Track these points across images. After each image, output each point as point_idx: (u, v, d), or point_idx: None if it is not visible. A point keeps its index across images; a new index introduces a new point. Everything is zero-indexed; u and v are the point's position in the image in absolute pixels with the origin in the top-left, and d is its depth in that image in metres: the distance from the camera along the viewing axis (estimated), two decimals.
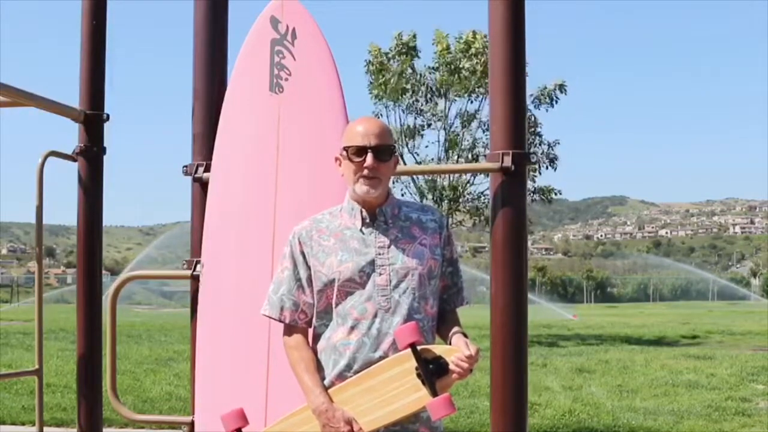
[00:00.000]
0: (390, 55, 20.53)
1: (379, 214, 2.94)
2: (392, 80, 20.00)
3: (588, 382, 12.75)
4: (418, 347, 2.70)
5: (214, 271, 3.87)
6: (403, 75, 20.16)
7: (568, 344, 20.05)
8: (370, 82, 20.78)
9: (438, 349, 2.76)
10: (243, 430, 2.94)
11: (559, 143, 21.27)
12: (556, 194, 21.62)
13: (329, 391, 2.83)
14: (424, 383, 2.70)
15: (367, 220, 2.94)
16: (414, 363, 2.71)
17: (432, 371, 2.70)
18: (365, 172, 2.88)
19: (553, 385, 12.27)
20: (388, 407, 2.74)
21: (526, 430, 4.03)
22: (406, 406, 2.73)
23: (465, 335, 2.85)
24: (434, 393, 2.68)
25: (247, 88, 3.96)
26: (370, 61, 20.64)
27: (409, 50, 20.46)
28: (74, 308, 4.90)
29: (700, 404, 10.54)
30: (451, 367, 2.71)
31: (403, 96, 20.44)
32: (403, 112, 20.88)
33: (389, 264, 2.88)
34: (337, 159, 3.00)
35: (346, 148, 2.93)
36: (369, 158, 2.87)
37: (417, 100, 20.75)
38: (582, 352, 17.43)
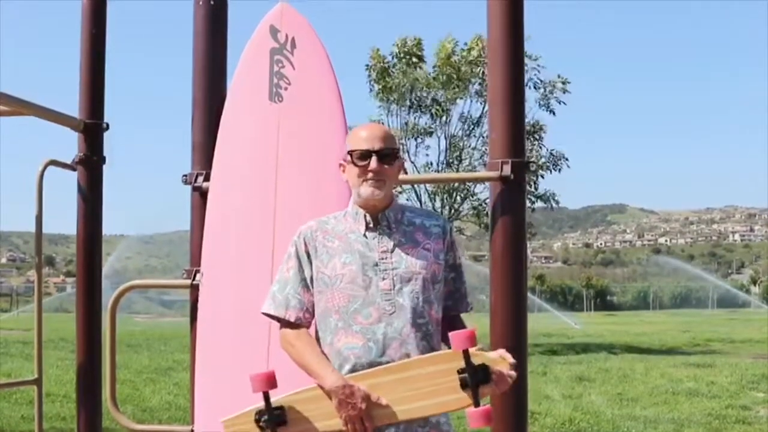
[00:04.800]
0: (391, 63, 20.50)
1: (381, 218, 2.94)
2: (398, 84, 19.96)
3: (588, 390, 12.73)
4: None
5: (213, 280, 3.87)
6: (407, 78, 20.11)
7: (568, 353, 20.03)
8: (371, 89, 20.73)
9: (484, 357, 2.75)
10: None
11: (566, 159, 21.18)
12: (556, 201, 21.55)
13: (366, 372, 2.78)
14: (464, 388, 2.70)
15: (371, 225, 2.93)
16: (457, 365, 2.70)
17: (479, 379, 2.70)
18: (369, 175, 2.88)
19: (553, 393, 12.26)
20: (423, 401, 2.73)
21: None
22: (442, 405, 2.73)
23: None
24: (477, 402, 2.69)
25: (246, 97, 3.96)
26: (371, 65, 20.58)
27: (413, 56, 20.46)
28: (74, 317, 4.90)
29: (700, 412, 10.53)
30: (495, 377, 2.71)
31: (408, 97, 20.40)
32: (408, 111, 20.83)
33: (392, 268, 2.87)
34: (341, 165, 3.00)
35: (350, 152, 2.93)
36: (373, 161, 2.87)
37: (420, 102, 20.71)
38: (582, 361, 17.41)
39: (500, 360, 2.75)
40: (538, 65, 20.34)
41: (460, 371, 2.71)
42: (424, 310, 2.88)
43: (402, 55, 20.55)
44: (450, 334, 2.74)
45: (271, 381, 2.77)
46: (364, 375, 2.78)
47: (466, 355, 2.69)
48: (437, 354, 2.79)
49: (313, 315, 2.95)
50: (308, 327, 2.96)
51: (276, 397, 2.79)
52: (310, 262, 2.94)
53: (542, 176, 21.08)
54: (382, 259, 2.89)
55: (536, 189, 21.03)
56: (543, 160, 20.68)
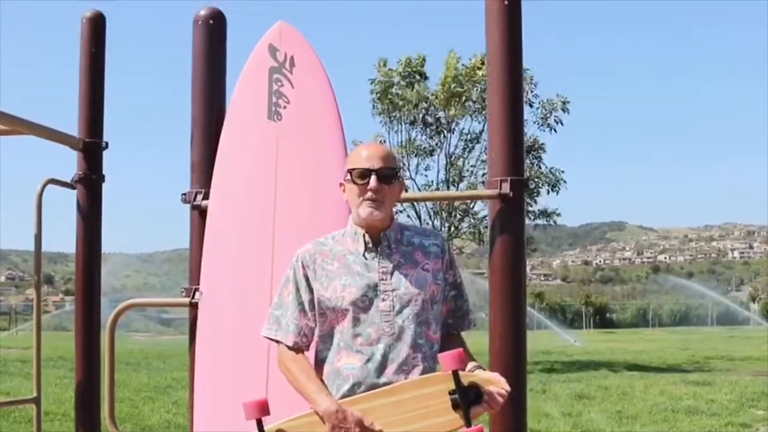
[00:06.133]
0: (396, 81, 20.53)
1: (382, 238, 2.94)
2: (403, 101, 20.03)
3: (587, 408, 12.69)
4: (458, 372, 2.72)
5: (213, 298, 3.87)
6: (414, 96, 20.17)
7: (568, 370, 19.98)
8: (374, 105, 20.75)
9: (475, 377, 2.76)
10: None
11: (564, 174, 21.19)
12: (556, 215, 21.56)
13: (359, 396, 2.80)
14: (456, 408, 2.71)
15: (370, 245, 2.94)
16: (448, 386, 2.71)
17: (470, 399, 2.71)
18: (369, 194, 2.88)
19: (553, 411, 12.21)
20: (415, 424, 2.74)
21: None
22: (434, 427, 2.74)
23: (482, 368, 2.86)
24: (468, 422, 2.69)
25: (245, 116, 3.98)
26: (377, 80, 20.58)
27: (416, 74, 20.52)
28: (72, 336, 4.89)
29: (700, 430, 10.50)
30: (486, 398, 2.72)
31: (413, 112, 20.45)
32: (411, 125, 20.88)
33: (392, 290, 2.88)
34: (341, 185, 3.01)
35: (350, 171, 2.93)
36: (373, 180, 2.88)
37: (424, 119, 20.78)
38: (581, 378, 17.37)
39: (492, 380, 2.76)
40: (534, 84, 20.40)
41: (451, 392, 2.71)
42: (422, 332, 2.89)
43: (406, 73, 20.59)
44: (439, 355, 2.75)
45: (263, 408, 2.77)
46: (357, 399, 2.79)
47: (455, 375, 2.70)
48: (428, 376, 2.79)
49: (310, 338, 2.97)
50: (307, 349, 2.98)
51: (270, 425, 2.80)
52: (309, 286, 2.94)
53: (537, 195, 21.09)
54: (382, 280, 2.89)
55: (536, 203, 21.05)
56: (540, 179, 20.69)
